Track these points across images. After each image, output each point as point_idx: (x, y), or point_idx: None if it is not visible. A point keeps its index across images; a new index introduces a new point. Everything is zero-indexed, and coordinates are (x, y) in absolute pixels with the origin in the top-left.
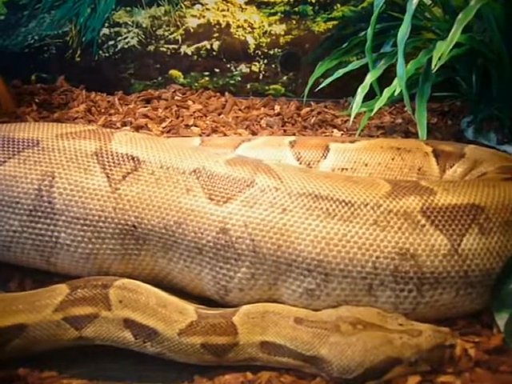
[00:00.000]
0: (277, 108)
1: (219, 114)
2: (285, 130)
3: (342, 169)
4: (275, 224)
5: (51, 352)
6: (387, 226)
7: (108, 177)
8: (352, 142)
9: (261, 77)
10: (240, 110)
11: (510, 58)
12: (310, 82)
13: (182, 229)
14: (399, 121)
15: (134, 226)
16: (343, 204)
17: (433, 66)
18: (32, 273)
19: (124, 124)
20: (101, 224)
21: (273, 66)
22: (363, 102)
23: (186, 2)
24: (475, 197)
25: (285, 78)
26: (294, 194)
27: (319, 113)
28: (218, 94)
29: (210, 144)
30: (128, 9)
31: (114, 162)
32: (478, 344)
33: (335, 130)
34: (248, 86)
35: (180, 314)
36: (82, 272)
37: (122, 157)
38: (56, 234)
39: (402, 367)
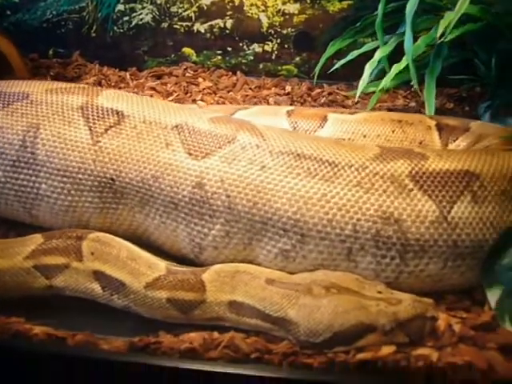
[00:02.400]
0: (288, 88)
1: (228, 92)
2: None
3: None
4: (252, 181)
5: (23, 301)
6: (371, 189)
7: (90, 130)
8: (352, 113)
9: (273, 57)
10: (250, 88)
11: None
12: (321, 62)
13: (158, 183)
14: (413, 104)
15: (112, 179)
16: (326, 164)
17: (438, 35)
18: (17, 226)
19: None
20: (80, 176)
21: (286, 46)
22: (374, 81)
23: None
24: (470, 163)
25: (298, 58)
26: (275, 152)
27: (330, 93)
28: (230, 72)
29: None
30: None
31: (98, 116)
32: (465, 320)
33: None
34: (260, 65)
35: (149, 268)
36: (63, 225)
37: (107, 111)
38: (37, 185)
39: (376, 335)
